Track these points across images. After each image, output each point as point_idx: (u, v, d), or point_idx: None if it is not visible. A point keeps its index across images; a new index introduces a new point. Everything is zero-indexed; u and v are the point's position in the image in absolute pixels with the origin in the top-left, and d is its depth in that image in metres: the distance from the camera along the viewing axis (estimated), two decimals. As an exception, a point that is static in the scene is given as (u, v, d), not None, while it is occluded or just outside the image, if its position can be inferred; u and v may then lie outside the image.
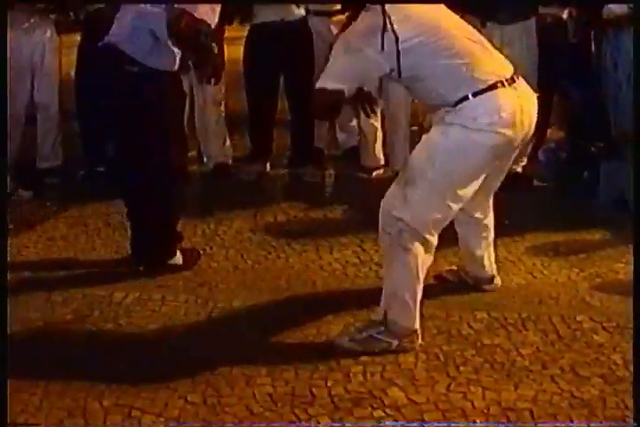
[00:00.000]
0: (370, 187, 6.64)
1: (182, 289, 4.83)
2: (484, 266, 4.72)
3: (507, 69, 4.11)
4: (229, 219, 5.93)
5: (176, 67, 4.83)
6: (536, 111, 4.17)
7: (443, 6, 4.13)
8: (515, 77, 4.08)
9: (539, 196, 6.43)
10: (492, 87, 3.97)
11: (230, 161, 7.00)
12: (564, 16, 6.63)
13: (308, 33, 6.73)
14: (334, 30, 6.88)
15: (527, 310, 4.50)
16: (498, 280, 4.79)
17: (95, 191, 6.41)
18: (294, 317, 4.46)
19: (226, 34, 6.71)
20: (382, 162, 6.89)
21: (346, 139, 7.40)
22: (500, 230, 5.46)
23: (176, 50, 4.72)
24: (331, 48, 6.85)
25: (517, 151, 4.35)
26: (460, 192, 4.01)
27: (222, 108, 6.81)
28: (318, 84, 3.97)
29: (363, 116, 6.52)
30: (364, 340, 4.09)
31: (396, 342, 4.07)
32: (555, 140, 7.21)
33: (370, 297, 4.59)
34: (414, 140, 6.77)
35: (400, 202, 4.02)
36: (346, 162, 7.25)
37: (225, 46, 6.64)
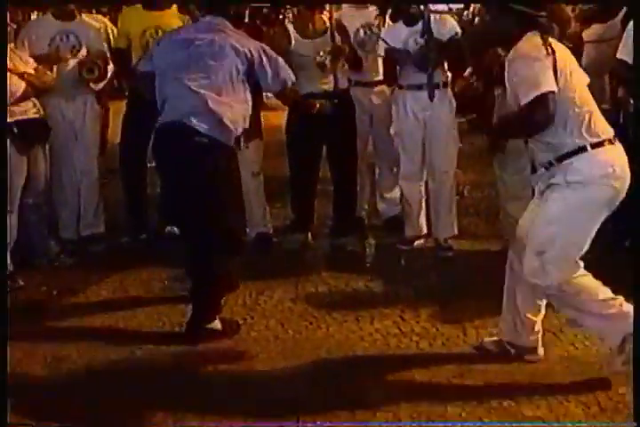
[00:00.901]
0: (411, 257, 6.64)
1: (222, 358, 4.84)
2: (530, 334, 4.72)
3: (608, 128, 4.35)
4: (270, 288, 5.94)
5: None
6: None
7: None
8: (614, 137, 4.33)
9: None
10: (606, 142, 4.25)
11: (271, 231, 7.03)
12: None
13: (351, 103, 6.79)
14: (375, 101, 7.00)
15: (568, 380, 4.46)
16: (541, 351, 4.76)
17: (137, 259, 6.47)
18: (334, 386, 4.45)
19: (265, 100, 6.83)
20: (424, 232, 6.88)
21: (387, 208, 7.42)
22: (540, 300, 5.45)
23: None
24: (371, 119, 7.04)
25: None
26: (584, 246, 4.29)
27: (261, 178, 6.86)
28: (530, 97, 4.10)
29: (406, 185, 6.64)
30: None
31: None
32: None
33: (411, 367, 4.60)
34: (459, 210, 6.85)
35: (540, 273, 4.32)
36: (387, 232, 7.26)
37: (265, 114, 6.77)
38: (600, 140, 4.24)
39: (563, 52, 4.31)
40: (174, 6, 6.86)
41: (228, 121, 4.94)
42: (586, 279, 4.36)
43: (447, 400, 4.29)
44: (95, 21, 6.83)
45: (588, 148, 4.21)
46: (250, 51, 5.02)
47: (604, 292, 4.36)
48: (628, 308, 4.31)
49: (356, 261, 6.66)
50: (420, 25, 6.35)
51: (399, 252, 6.73)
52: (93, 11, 7.21)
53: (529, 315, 4.69)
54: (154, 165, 7.28)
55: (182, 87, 4.93)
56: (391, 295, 5.80)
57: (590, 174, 4.19)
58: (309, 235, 7.00)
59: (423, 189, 6.80)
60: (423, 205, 6.84)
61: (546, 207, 4.33)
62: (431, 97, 6.38)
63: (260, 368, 4.71)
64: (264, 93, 6.19)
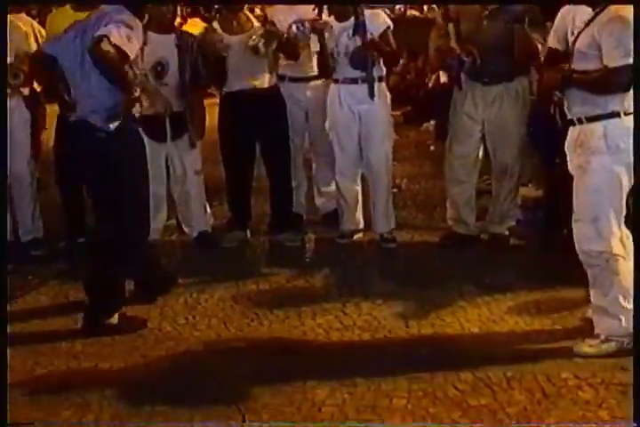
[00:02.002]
0: (350, 251, 6.65)
1: (165, 359, 4.82)
2: None
3: None
4: (211, 287, 5.91)
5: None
6: None
7: None
8: None
9: (518, 254, 6.43)
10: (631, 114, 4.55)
11: (210, 229, 7.00)
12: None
13: (281, 100, 6.78)
14: (310, 96, 6.99)
15: (512, 369, 4.49)
16: None
17: (76, 263, 6.41)
18: (279, 383, 4.44)
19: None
20: (362, 225, 6.89)
21: (324, 203, 7.42)
22: (481, 290, 5.51)
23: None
24: (307, 114, 7.03)
25: None
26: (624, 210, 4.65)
27: (202, 176, 6.83)
28: (620, 63, 4.44)
29: (341, 180, 6.65)
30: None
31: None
32: (533, 198, 7.27)
33: (354, 360, 4.60)
34: (396, 202, 6.88)
35: (596, 238, 4.59)
36: (326, 226, 7.27)
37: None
38: (630, 110, 4.53)
39: None
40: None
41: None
42: (629, 265, 4.59)
43: (392, 393, 4.30)
44: (22, 23, 6.69)
45: (622, 115, 4.54)
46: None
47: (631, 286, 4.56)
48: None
49: (296, 257, 6.66)
50: (352, 20, 6.37)
51: (338, 246, 6.74)
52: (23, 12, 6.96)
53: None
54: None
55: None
56: (332, 290, 5.80)
57: (624, 141, 4.52)
58: (248, 232, 6.98)
59: (359, 183, 6.82)
60: (360, 198, 6.85)
61: (589, 177, 4.61)
62: (372, 95, 6.40)
63: (203, 367, 4.69)
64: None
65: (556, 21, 5.61)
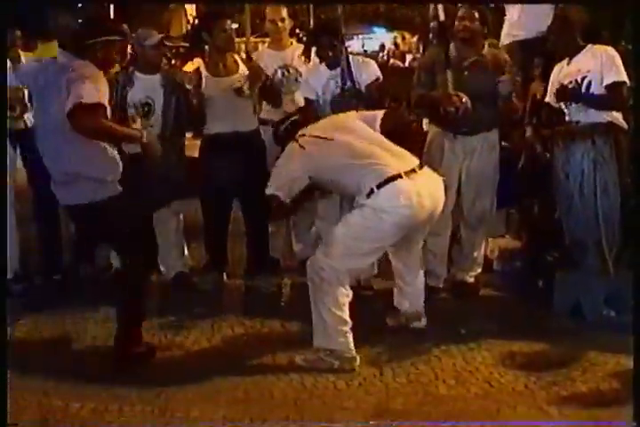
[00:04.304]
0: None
1: (138, 400, 4.77)
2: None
3: (407, 163, 5.38)
4: (187, 329, 5.90)
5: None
6: (441, 193, 5.46)
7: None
8: (415, 169, 5.33)
9: (494, 305, 6.45)
10: (392, 179, 5.19)
11: (187, 270, 6.99)
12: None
13: (261, 144, 6.78)
14: (292, 141, 7.00)
15: (485, 419, 4.49)
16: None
17: (51, 299, 6.37)
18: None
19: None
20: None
21: (302, 249, 7.41)
22: (457, 340, 5.52)
23: None
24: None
25: (428, 226, 5.62)
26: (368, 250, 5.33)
27: (181, 217, 6.84)
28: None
29: (321, 225, 6.66)
30: (314, 360, 5.23)
31: (337, 363, 5.17)
32: (510, 249, 7.29)
33: (328, 407, 4.59)
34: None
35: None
36: (302, 272, 7.24)
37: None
38: (385, 178, 5.23)
39: None
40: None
41: None
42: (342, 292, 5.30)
43: (365, 440, 4.30)
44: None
45: (375, 189, 5.21)
46: None
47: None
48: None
49: (272, 301, 6.64)
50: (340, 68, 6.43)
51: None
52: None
53: None
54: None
55: None
56: (307, 335, 5.77)
57: (381, 206, 5.20)
58: (224, 275, 6.97)
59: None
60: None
61: (347, 217, 5.40)
62: None
63: (176, 410, 4.65)
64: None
65: (552, 77, 5.85)
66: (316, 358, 5.24)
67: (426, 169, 5.46)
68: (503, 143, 6.68)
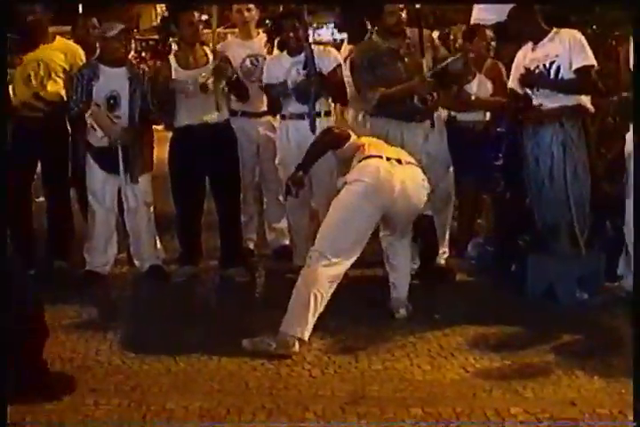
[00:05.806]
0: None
1: (114, 393, 4.76)
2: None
3: (395, 153, 5.61)
4: (161, 321, 5.88)
5: None
6: (417, 188, 5.56)
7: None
8: (401, 160, 5.54)
9: (468, 290, 6.48)
10: (370, 157, 5.47)
11: (161, 263, 6.97)
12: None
13: (232, 135, 6.79)
14: (262, 131, 7.02)
15: (461, 404, 4.50)
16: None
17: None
18: (228, 418, 4.42)
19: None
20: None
21: (275, 238, 7.42)
22: (431, 325, 5.53)
23: None
24: (258, 149, 7.08)
25: (407, 216, 5.67)
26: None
27: (152, 209, 6.82)
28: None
29: (292, 214, 6.67)
30: (256, 342, 5.28)
31: (273, 346, 5.20)
32: (482, 234, 7.32)
33: (304, 396, 4.59)
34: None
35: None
36: (276, 261, 7.27)
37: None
38: (365, 156, 5.55)
39: None
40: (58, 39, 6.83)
41: None
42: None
43: (341, 428, 4.30)
44: None
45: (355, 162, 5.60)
46: None
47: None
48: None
49: (246, 292, 6.64)
50: (303, 55, 6.43)
51: (289, 281, 6.72)
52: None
53: None
54: (41, 199, 7.22)
55: None
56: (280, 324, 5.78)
57: (350, 179, 5.49)
58: (198, 267, 6.96)
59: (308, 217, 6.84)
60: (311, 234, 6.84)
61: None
62: (313, 129, 6.43)
63: (152, 402, 4.64)
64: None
65: (515, 62, 5.90)
66: (259, 340, 5.29)
67: (414, 166, 5.67)
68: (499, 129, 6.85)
